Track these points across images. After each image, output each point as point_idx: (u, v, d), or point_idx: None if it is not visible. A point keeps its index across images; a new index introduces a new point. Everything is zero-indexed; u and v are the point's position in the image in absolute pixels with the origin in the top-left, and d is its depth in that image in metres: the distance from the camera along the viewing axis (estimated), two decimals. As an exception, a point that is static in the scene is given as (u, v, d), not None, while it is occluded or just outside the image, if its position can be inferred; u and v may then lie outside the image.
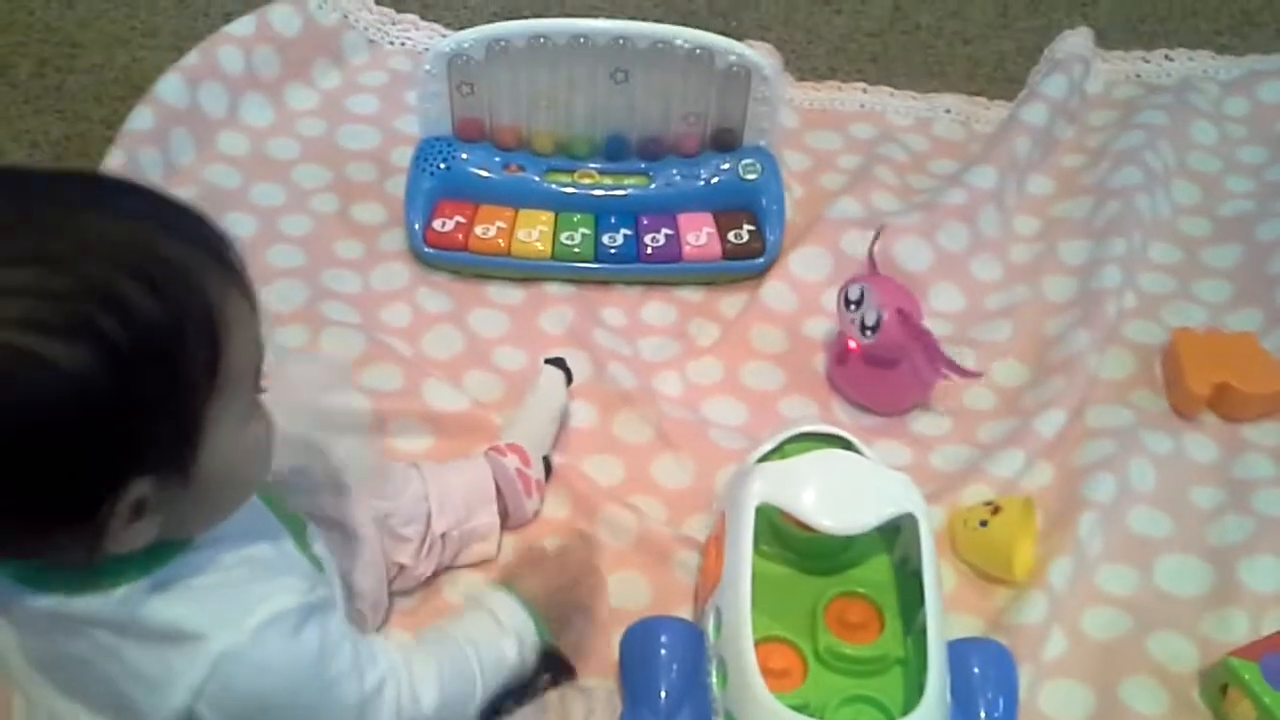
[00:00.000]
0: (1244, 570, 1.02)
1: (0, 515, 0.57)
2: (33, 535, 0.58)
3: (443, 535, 0.98)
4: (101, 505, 0.57)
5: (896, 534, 0.94)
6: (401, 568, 0.96)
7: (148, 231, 0.57)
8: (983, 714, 0.87)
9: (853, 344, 1.13)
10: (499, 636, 0.83)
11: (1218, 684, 0.94)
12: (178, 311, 0.57)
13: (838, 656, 0.87)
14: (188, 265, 0.58)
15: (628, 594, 1.00)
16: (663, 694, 0.87)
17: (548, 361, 1.11)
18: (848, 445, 0.98)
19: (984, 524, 1.01)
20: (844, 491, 0.89)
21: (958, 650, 0.87)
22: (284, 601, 0.65)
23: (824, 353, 1.20)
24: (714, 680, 0.85)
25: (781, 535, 0.95)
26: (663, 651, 0.88)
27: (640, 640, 0.90)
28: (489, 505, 1.00)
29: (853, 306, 1.12)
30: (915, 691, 0.82)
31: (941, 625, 0.85)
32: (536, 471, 1.04)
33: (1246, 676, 0.92)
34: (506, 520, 1.02)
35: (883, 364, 1.12)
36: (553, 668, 0.91)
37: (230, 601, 0.64)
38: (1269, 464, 1.12)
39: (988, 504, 1.03)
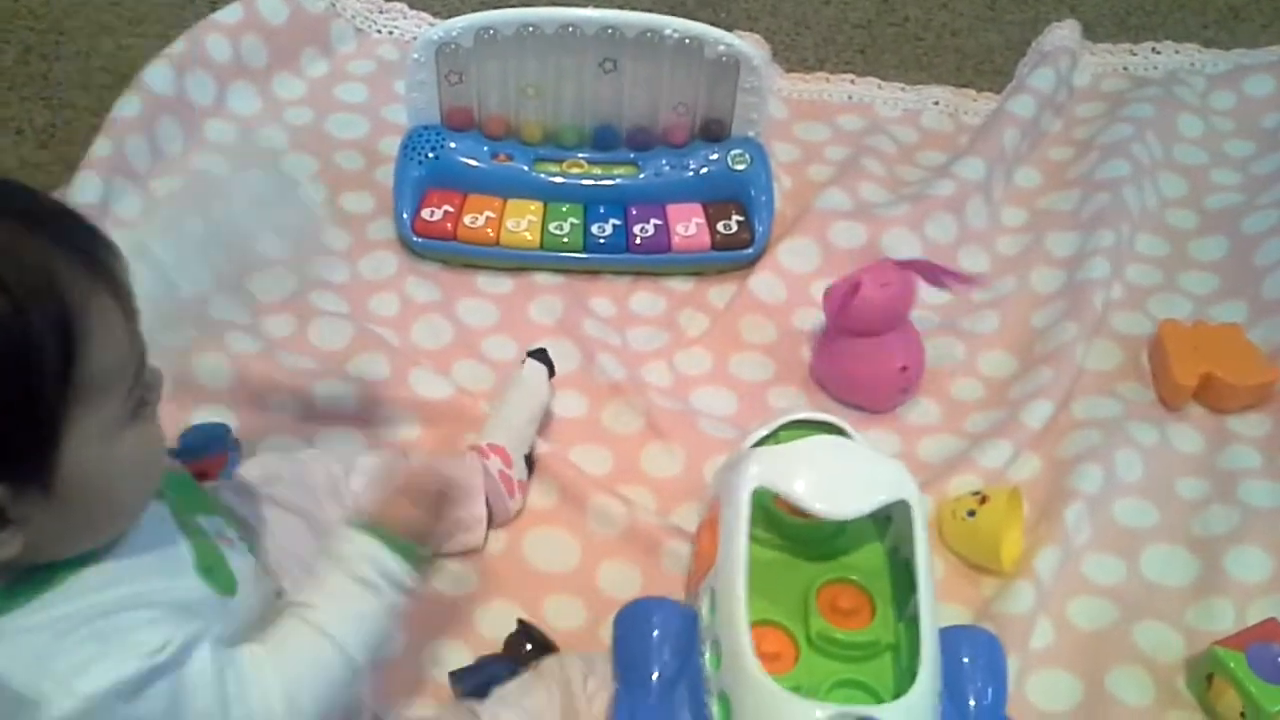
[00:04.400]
0: (1229, 560, 1.03)
1: None
2: None
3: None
4: None
5: (888, 522, 0.95)
6: None
7: (9, 232, 0.57)
8: (972, 702, 0.87)
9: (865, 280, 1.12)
10: (362, 599, 0.74)
11: (1203, 673, 0.95)
12: (26, 311, 0.56)
13: (829, 641, 0.87)
14: (47, 267, 0.57)
15: (617, 583, 1.00)
16: (655, 674, 0.87)
17: (530, 354, 1.10)
18: (841, 433, 0.98)
19: (971, 514, 1.01)
20: (839, 477, 0.89)
21: (948, 638, 0.87)
22: (122, 669, 0.60)
23: (813, 343, 1.20)
24: (708, 661, 0.85)
25: (775, 521, 0.95)
26: (655, 632, 0.88)
27: (633, 621, 0.90)
28: (475, 497, 1.00)
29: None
30: (906, 677, 0.82)
31: (934, 612, 0.85)
32: (518, 472, 1.04)
33: (1232, 665, 0.92)
34: (490, 521, 1.02)
35: (864, 334, 1.13)
36: (533, 639, 0.92)
37: (65, 658, 0.59)
38: (1254, 455, 1.12)
39: (975, 494, 1.03)
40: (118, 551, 0.64)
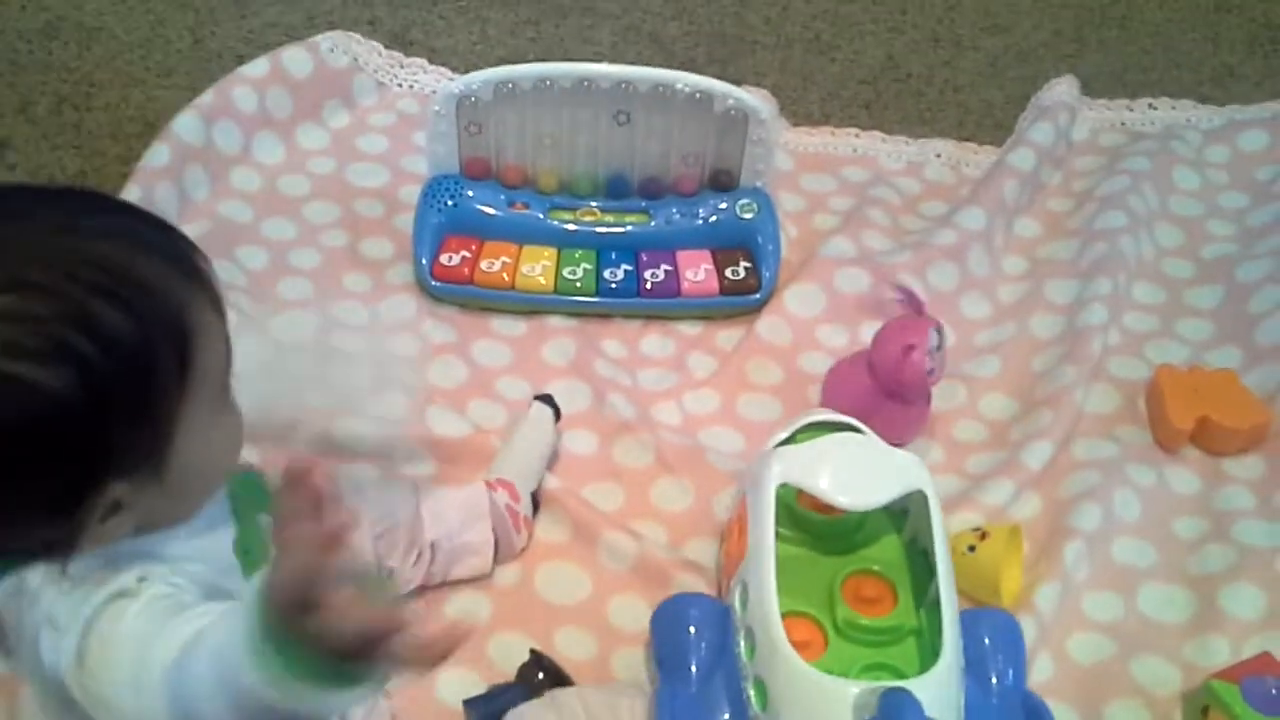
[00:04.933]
0: (1225, 598, 1.06)
1: None
2: (14, 536, 0.61)
3: (433, 545, 1.00)
4: (80, 508, 0.60)
5: (905, 515, 1.00)
6: (390, 571, 0.98)
7: (119, 251, 0.60)
8: (994, 680, 0.92)
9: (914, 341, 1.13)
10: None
11: (1199, 706, 0.97)
12: (149, 327, 0.59)
13: (856, 628, 0.92)
14: (158, 281, 0.61)
15: (628, 616, 1.03)
16: (693, 666, 0.91)
17: (537, 398, 1.14)
18: (857, 431, 1.02)
19: (971, 549, 1.04)
20: (858, 471, 0.95)
21: (968, 619, 0.92)
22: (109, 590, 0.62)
23: (819, 385, 1.23)
24: (742, 650, 0.89)
25: (798, 519, 1.00)
26: (692, 627, 0.93)
27: (670, 616, 0.95)
28: (483, 521, 1.03)
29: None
30: (930, 658, 0.87)
31: (954, 592, 0.90)
32: (525, 508, 1.07)
33: (1227, 698, 0.94)
34: (497, 553, 1.04)
35: (904, 400, 1.15)
36: (545, 669, 0.95)
37: (86, 596, 0.62)
38: (1249, 496, 1.15)
39: (975, 530, 1.06)
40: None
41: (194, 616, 0.60)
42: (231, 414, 0.68)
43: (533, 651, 0.97)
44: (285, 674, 0.51)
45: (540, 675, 0.95)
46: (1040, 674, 1.00)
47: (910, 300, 1.15)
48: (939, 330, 1.13)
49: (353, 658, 0.50)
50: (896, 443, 1.13)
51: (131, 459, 0.61)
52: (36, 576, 0.63)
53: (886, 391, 1.14)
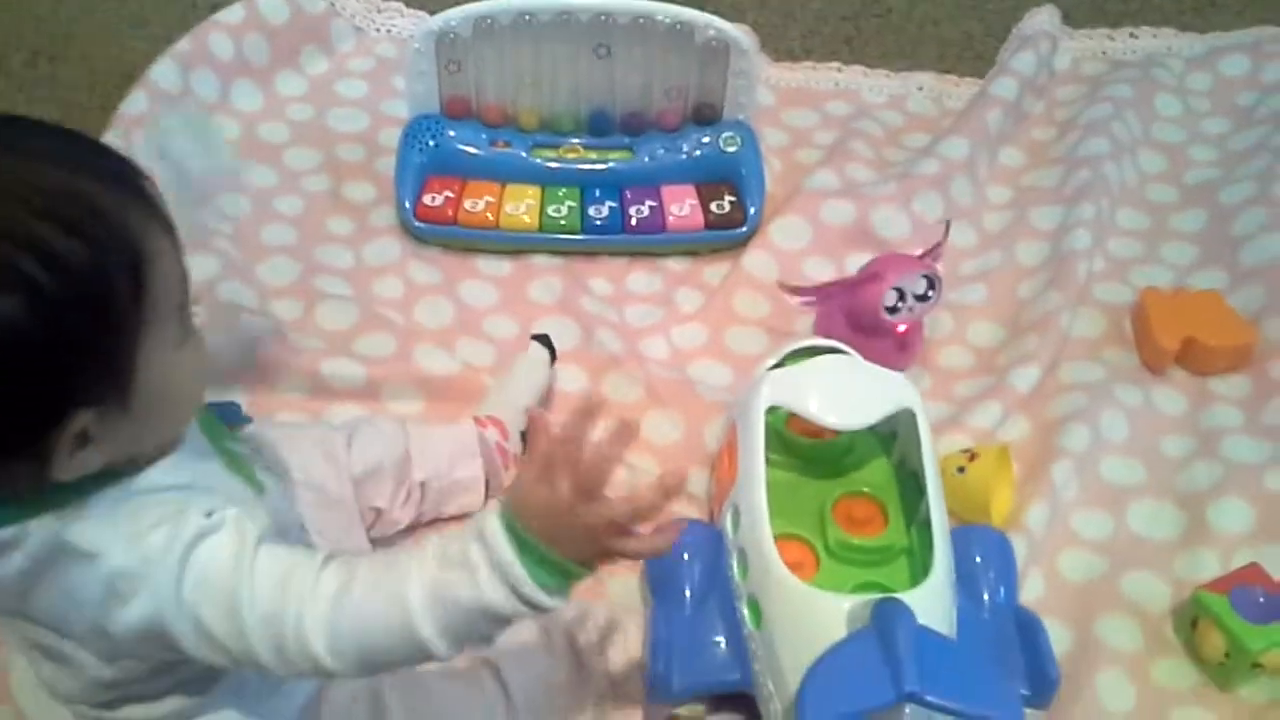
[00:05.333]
0: (1213, 513, 1.06)
1: None
2: None
3: (422, 484, 1.00)
4: (45, 439, 0.59)
5: (894, 438, 1.00)
6: (378, 512, 0.98)
7: (66, 174, 0.59)
8: (986, 596, 0.92)
9: (902, 328, 1.14)
10: (462, 589, 0.64)
11: (1189, 618, 0.98)
12: (101, 252, 0.58)
13: (847, 548, 0.93)
14: (108, 205, 0.59)
15: (621, 545, 1.03)
16: (687, 590, 0.92)
17: (534, 337, 1.14)
18: (844, 355, 1.03)
19: (961, 470, 1.04)
20: (847, 392, 0.96)
21: (959, 537, 0.93)
22: (181, 530, 0.63)
23: (806, 317, 1.23)
24: (735, 571, 0.90)
25: (787, 444, 1.01)
26: (684, 552, 0.94)
27: None
28: (473, 459, 1.03)
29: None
30: (921, 576, 0.88)
31: (943, 507, 0.90)
32: (514, 446, 1.07)
33: (1216, 608, 0.95)
34: (488, 488, 1.04)
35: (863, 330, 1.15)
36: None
37: (128, 523, 0.63)
38: (1235, 413, 1.16)
39: (965, 451, 1.07)
40: (170, 457, 0.67)
41: (285, 553, 0.65)
42: (193, 339, 0.67)
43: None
44: (544, 578, 0.63)
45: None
46: (1031, 592, 1.01)
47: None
48: (930, 281, 1.13)
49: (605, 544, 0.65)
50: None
51: (94, 388, 0.60)
52: (87, 538, 0.62)
53: (847, 318, 1.14)
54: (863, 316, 1.13)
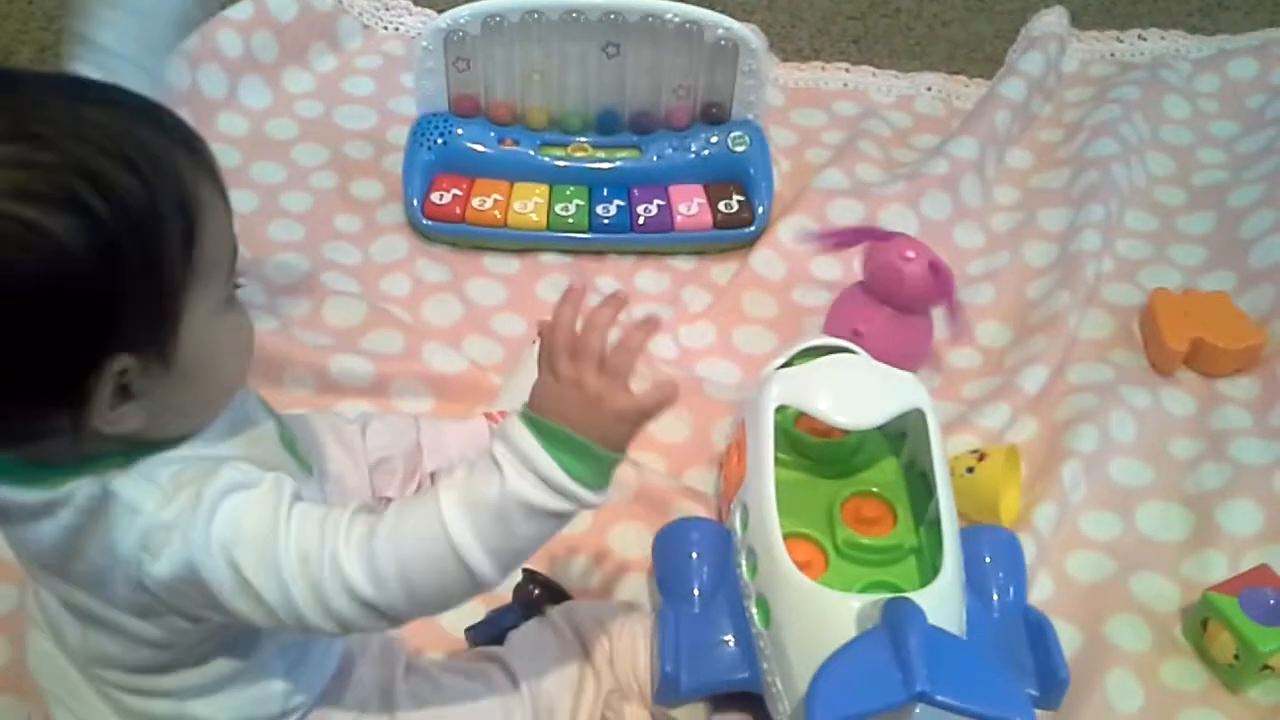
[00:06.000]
0: (1222, 514, 1.06)
1: None
2: (25, 415, 0.60)
3: (433, 475, 1.00)
4: (86, 378, 0.59)
5: (903, 439, 1.00)
6: (389, 502, 0.98)
7: (125, 118, 0.60)
8: (995, 597, 0.92)
9: (911, 253, 1.12)
10: (489, 492, 0.64)
11: (1199, 619, 0.98)
12: (155, 191, 0.59)
13: (856, 548, 0.93)
14: (164, 152, 0.60)
15: (630, 544, 1.03)
16: (696, 588, 0.92)
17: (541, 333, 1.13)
18: (853, 354, 1.02)
19: (970, 471, 1.04)
20: (856, 391, 0.95)
21: (968, 537, 0.92)
22: (214, 478, 0.63)
23: (814, 316, 1.23)
24: (744, 570, 0.89)
25: (796, 443, 1.00)
26: (693, 549, 0.94)
27: (672, 540, 0.96)
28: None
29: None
30: (931, 575, 0.87)
31: (953, 506, 0.90)
32: None
33: (1226, 610, 0.95)
34: None
35: (909, 312, 1.15)
36: (539, 584, 0.94)
37: (170, 479, 0.63)
38: (1244, 415, 1.16)
39: (974, 452, 1.06)
40: (217, 429, 0.67)
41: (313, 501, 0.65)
42: (239, 314, 0.67)
43: (525, 570, 0.97)
44: (572, 465, 0.63)
45: (536, 591, 0.95)
46: (1041, 593, 1.01)
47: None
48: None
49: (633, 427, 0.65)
50: (907, 364, 1.12)
51: (136, 331, 0.60)
52: (128, 490, 0.62)
53: (885, 303, 1.14)
54: (909, 297, 1.12)
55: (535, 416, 0.65)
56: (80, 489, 0.63)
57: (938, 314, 1.17)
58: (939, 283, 1.12)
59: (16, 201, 0.55)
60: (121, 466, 0.63)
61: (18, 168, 0.55)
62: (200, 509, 0.62)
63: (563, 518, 0.65)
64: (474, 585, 0.65)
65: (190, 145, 0.63)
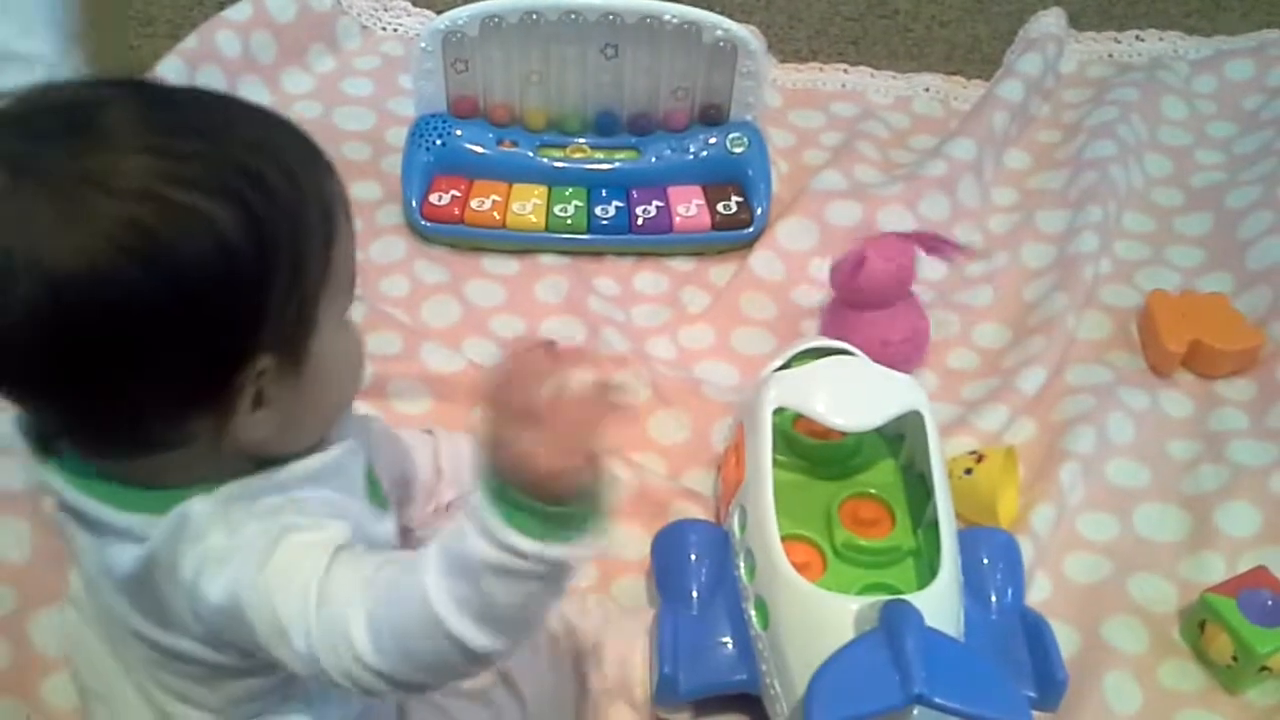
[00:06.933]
0: (1219, 516, 1.06)
1: (146, 388, 0.58)
2: (169, 416, 0.60)
3: (449, 505, 0.99)
4: (235, 375, 0.59)
5: (901, 440, 1.00)
6: (407, 532, 0.98)
7: (274, 128, 0.63)
8: (993, 598, 0.92)
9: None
10: (459, 544, 0.58)
11: (1196, 620, 0.98)
12: (303, 196, 0.60)
13: (854, 549, 0.93)
14: (309, 161, 0.62)
15: (628, 545, 1.02)
16: (694, 589, 0.92)
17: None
18: (851, 356, 1.03)
19: (969, 472, 1.04)
20: (854, 393, 0.95)
21: (966, 539, 0.92)
22: (278, 517, 0.62)
23: (813, 318, 1.23)
24: (742, 572, 0.90)
25: (794, 445, 1.01)
26: (691, 550, 0.94)
27: (670, 541, 0.96)
28: None
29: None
30: (929, 577, 0.87)
31: (951, 512, 0.90)
32: None
33: (1224, 611, 0.95)
34: None
35: (871, 306, 1.15)
36: None
37: (241, 511, 0.62)
38: (1242, 417, 1.16)
39: (972, 453, 1.06)
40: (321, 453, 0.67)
41: (352, 558, 0.62)
42: (354, 332, 0.69)
43: None
44: (520, 521, 0.55)
45: None
46: (1038, 594, 1.01)
47: (956, 250, 1.17)
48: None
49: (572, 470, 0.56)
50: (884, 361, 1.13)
51: (279, 332, 0.60)
52: (201, 514, 0.62)
53: (847, 302, 1.15)
54: (862, 293, 1.13)
55: (488, 477, 0.57)
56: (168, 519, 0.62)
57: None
58: (904, 268, 1.14)
59: (180, 189, 0.56)
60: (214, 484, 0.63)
61: (173, 158, 0.56)
62: (256, 546, 0.61)
63: (545, 579, 0.57)
64: (471, 655, 0.59)
65: (329, 163, 0.64)
